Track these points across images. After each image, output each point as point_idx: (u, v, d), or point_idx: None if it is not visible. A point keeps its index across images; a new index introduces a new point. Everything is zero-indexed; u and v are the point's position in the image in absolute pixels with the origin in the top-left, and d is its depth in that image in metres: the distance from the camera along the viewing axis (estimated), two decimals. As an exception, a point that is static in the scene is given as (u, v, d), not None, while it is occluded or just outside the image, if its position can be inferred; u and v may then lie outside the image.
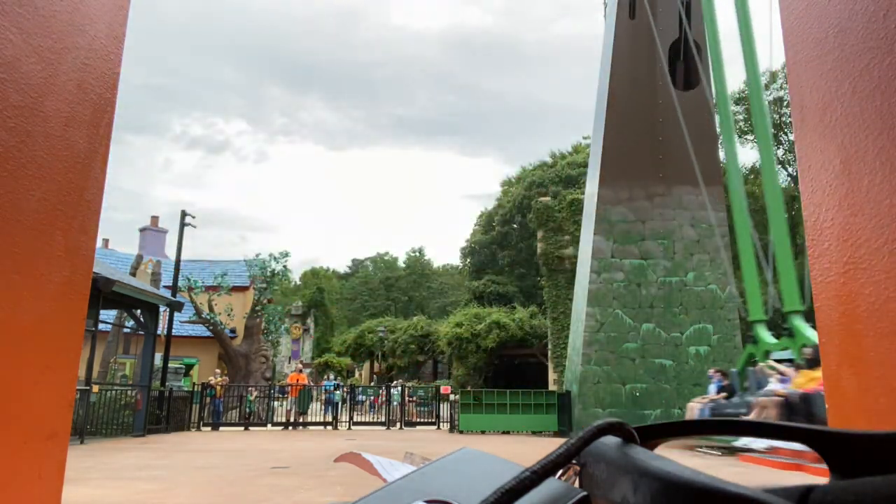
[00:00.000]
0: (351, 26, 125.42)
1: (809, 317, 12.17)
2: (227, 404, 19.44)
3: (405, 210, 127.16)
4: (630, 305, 16.40)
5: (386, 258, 69.20)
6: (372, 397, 24.17)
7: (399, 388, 20.37)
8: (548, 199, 26.34)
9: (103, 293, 13.61)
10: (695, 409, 11.59)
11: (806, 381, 10.30)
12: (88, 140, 1.20)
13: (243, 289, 28.53)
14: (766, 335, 12.63)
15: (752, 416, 10.24)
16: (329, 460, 9.69)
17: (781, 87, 32.77)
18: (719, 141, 16.17)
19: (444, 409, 19.55)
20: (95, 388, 14.76)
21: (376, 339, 34.02)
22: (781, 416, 10.08)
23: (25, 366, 1.04)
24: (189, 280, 22.06)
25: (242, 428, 18.85)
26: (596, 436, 0.42)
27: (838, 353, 1.17)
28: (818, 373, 10.18)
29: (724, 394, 11.65)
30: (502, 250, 43.55)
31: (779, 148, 35.12)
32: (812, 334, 11.27)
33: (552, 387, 22.32)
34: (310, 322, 42.56)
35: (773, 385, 10.74)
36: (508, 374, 30.92)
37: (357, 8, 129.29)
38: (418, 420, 20.25)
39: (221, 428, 18.57)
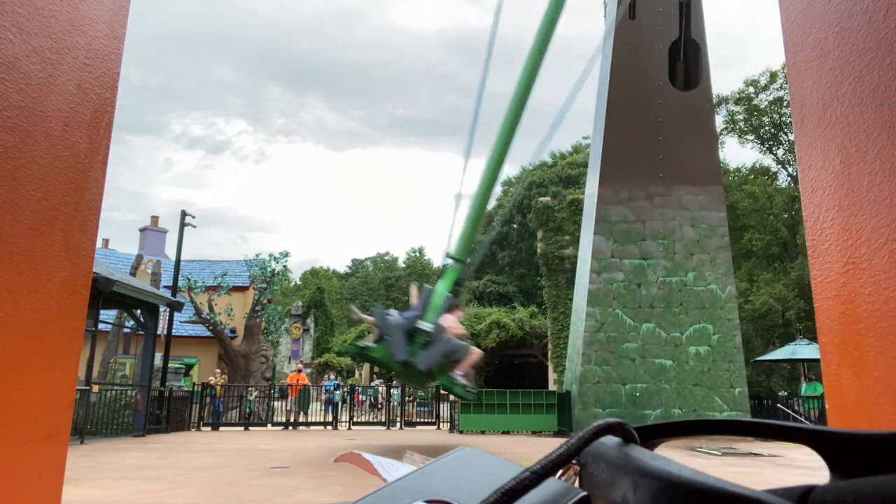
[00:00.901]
0: (351, 26, 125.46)
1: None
2: (227, 404, 19.44)
3: (406, 210, 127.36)
4: (630, 305, 16.39)
5: (386, 258, 69.21)
6: (355, 395, 23.60)
7: (398, 389, 20.36)
8: (548, 199, 26.34)
9: (103, 293, 13.60)
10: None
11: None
12: (88, 140, 1.20)
13: (243, 289, 28.54)
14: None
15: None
16: (329, 460, 9.69)
17: (781, 87, 32.77)
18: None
19: (444, 409, 19.54)
20: (95, 388, 14.76)
21: (376, 339, 33.89)
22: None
23: (25, 366, 1.04)
24: (189, 280, 22.05)
25: (242, 428, 18.84)
26: (596, 436, 0.42)
27: (838, 353, 1.17)
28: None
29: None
30: (502, 250, 43.55)
31: (779, 148, 35.13)
32: (441, 285, 10.80)
33: (552, 387, 22.31)
34: (310, 322, 42.50)
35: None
36: (508, 374, 30.91)
37: (357, 8, 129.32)
38: (418, 420, 20.25)
39: (221, 428, 18.56)
